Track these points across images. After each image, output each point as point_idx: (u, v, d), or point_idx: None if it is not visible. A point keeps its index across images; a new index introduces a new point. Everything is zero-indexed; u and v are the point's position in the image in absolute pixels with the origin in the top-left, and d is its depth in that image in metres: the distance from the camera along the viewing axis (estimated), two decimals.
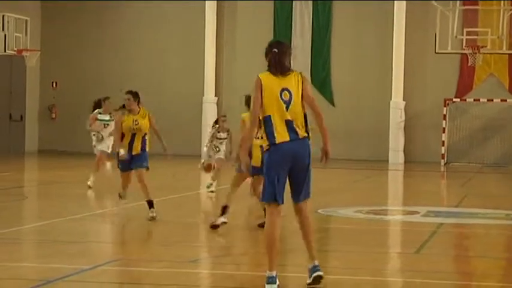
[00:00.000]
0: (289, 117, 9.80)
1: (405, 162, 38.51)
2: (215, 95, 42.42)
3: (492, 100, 37.83)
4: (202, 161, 22.33)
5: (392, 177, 34.25)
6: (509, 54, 36.00)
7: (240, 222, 17.30)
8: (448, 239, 16.64)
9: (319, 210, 18.70)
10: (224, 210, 15.32)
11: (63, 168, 32.97)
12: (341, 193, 24.76)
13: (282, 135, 9.73)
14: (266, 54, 10.10)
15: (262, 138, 10.27)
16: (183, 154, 33.53)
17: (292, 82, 10.01)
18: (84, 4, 43.32)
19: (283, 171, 9.82)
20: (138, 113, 16.31)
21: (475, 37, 34.92)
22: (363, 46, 40.71)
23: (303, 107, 9.95)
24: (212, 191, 20.62)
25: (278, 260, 9.89)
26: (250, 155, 11.99)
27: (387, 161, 38.14)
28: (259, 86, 9.99)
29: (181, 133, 39.78)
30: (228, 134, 21.57)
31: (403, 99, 38.92)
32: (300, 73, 10.16)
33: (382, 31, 39.93)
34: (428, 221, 18.28)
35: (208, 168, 20.57)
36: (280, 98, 9.80)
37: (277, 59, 10.07)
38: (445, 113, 37.30)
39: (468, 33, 34.71)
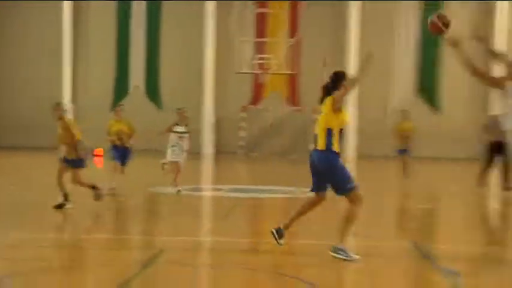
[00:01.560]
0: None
1: (215, 152, 38.62)
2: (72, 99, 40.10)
3: (275, 108, 38.64)
4: (163, 161, 18.78)
5: (205, 164, 33.57)
6: (288, 75, 36.91)
7: None
8: (246, 208, 16.89)
9: (149, 188, 19.36)
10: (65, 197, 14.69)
11: None
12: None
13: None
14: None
15: None
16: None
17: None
18: None
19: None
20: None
21: (264, 61, 35.20)
22: (187, 54, 39.44)
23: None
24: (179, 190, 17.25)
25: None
26: None
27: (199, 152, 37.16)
28: None
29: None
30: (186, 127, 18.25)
31: (214, 106, 38.86)
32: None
33: (198, 51, 38.86)
34: (231, 196, 18.59)
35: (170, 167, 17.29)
36: None
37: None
38: (243, 116, 38.32)
39: (259, 59, 35.19)
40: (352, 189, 9.70)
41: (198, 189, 20.09)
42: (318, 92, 34.57)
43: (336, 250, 9.64)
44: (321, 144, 9.72)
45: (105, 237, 12.37)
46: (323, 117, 9.73)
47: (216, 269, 9.81)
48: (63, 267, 9.69)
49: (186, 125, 18.25)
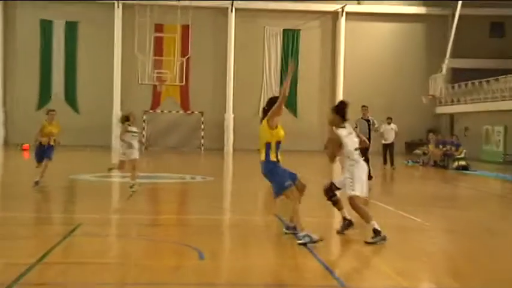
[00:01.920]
0: None
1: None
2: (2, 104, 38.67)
3: (170, 111, 38.67)
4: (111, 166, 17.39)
5: (113, 156, 29.99)
6: (179, 85, 36.85)
7: None
8: (146, 191, 16.55)
9: (70, 176, 18.92)
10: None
11: None
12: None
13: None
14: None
15: None
16: None
17: None
18: None
19: None
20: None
21: (161, 75, 35.29)
22: (99, 67, 38.56)
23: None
24: (134, 191, 15.05)
25: None
26: None
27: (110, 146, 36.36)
28: None
29: None
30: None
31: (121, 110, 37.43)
32: None
33: (108, 65, 38.07)
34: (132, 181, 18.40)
35: (121, 165, 15.67)
36: None
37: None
38: (144, 118, 37.86)
39: (157, 73, 35.35)
40: (286, 188, 9.30)
41: (109, 177, 19.60)
42: (206, 99, 34.36)
43: (299, 237, 9.08)
44: (262, 156, 9.43)
45: (31, 215, 12.12)
46: (262, 134, 9.43)
47: (122, 239, 9.77)
48: None
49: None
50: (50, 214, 12.76)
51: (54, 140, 16.47)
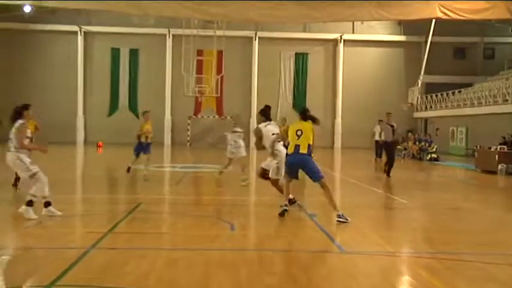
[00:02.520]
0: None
1: (172, 144, 37.58)
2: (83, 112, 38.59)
3: (209, 117, 38.39)
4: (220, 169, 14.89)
5: (165, 151, 31.58)
6: (215, 97, 36.54)
7: None
8: (190, 178, 16.64)
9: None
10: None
11: None
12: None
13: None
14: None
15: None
16: None
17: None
18: None
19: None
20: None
21: (201, 89, 34.93)
22: (154, 83, 39.90)
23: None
24: (245, 185, 13.53)
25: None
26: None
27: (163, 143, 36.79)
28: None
29: None
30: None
31: (171, 115, 38.29)
32: None
33: (161, 81, 38.27)
34: (181, 170, 18.32)
35: (229, 163, 14.16)
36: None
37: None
38: (189, 122, 37.98)
39: (199, 87, 34.99)
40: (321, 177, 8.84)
41: (162, 167, 19.63)
42: (235, 107, 33.85)
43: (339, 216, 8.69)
44: (305, 150, 8.81)
45: (104, 196, 12.15)
46: (308, 134, 8.86)
47: (172, 214, 9.74)
48: (76, 215, 9.45)
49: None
50: (118, 195, 12.75)
51: (149, 137, 14.94)
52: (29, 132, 8.70)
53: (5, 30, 36.85)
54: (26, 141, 8.55)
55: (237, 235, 7.87)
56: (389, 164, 16.83)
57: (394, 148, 17.56)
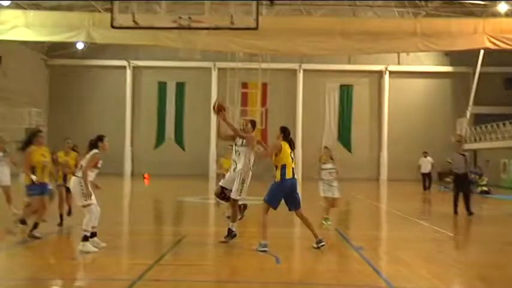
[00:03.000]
0: None
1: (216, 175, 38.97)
2: (130, 144, 39.79)
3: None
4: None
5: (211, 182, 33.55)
6: (261, 129, 34.61)
7: None
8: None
9: (178, 198, 18.64)
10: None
11: None
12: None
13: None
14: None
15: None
16: None
17: None
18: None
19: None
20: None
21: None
22: (199, 115, 40.48)
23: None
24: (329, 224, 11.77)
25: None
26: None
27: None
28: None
29: None
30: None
31: (216, 149, 38.18)
32: None
33: (206, 114, 38.31)
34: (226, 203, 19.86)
35: (330, 204, 11.91)
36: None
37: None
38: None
39: (244, 119, 35.41)
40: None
41: (207, 198, 19.61)
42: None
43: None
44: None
45: (150, 228, 12.28)
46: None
47: (217, 246, 9.60)
48: (123, 247, 9.59)
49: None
50: (163, 226, 12.84)
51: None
52: (100, 163, 8.95)
53: (61, 66, 38.66)
54: (90, 172, 8.73)
55: (283, 268, 7.77)
56: (466, 199, 15.10)
57: (468, 180, 15.72)
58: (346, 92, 39.77)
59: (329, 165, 12.05)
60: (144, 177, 33.12)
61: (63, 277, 7.11)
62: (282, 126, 9.24)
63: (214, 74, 38.93)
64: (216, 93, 38.54)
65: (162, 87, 39.58)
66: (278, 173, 8.75)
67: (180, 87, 39.51)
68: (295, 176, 8.73)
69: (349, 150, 38.98)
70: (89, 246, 8.48)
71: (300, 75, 39.15)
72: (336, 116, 39.85)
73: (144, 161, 38.44)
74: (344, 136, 39.56)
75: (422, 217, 14.77)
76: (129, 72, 39.43)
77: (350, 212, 10.01)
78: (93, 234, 8.74)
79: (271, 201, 8.76)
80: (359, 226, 11.03)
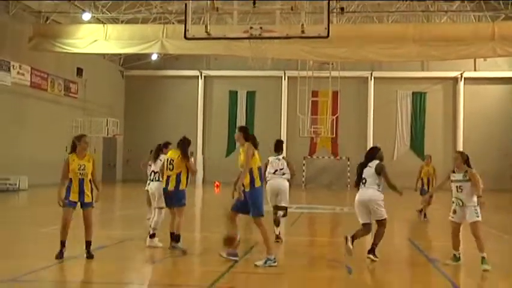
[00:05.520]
0: None
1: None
2: (202, 152, 40.40)
3: (324, 157, 37.99)
4: None
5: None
6: (331, 137, 36.24)
7: None
8: (307, 219, 16.48)
9: None
10: None
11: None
12: None
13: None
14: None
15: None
16: None
17: None
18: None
19: None
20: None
21: (317, 129, 34.84)
22: (270, 124, 41.68)
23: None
24: None
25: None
26: None
27: None
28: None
29: None
30: None
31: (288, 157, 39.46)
32: None
33: (276, 123, 38.59)
34: (297, 211, 17.90)
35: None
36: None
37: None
38: (304, 162, 37.30)
39: (314, 128, 34.89)
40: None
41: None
42: (351, 147, 32.78)
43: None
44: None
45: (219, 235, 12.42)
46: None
47: (287, 255, 9.65)
48: (195, 253, 9.70)
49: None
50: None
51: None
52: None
53: (137, 77, 39.96)
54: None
55: (355, 279, 7.64)
56: None
57: None
58: (419, 100, 38.73)
59: (458, 176, 8.65)
60: (215, 186, 33.46)
61: (141, 282, 7.29)
62: (242, 126, 9.03)
63: (285, 83, 39.01)
64: (287, 102, 38.75)
65: (233, 96, 40.03)
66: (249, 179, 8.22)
67: (251, 96, 39.83)
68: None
69: (423, 159, 37.91)
70: (154, 241, 9.48)
71: (371, 83, 38.57)
72: (408, 124, 38.90)
73: (215, 169, 38.92)
74: (416, 145, 38.50)
75: (508, 231, 13.91)
76: (201, 82, 40.08)
77: (427, 223, 9.68)
78: (153, 235, 9.58)
79: (262, 210, 8.23)
80: (435, 237, 10.67)
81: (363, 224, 8.75)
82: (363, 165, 8.87)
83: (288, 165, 10.62)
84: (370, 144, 37.26)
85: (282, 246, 10.79)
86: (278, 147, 10.94)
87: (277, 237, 10.37)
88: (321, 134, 35.48)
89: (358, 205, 8.77)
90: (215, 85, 40.44)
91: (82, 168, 8.24)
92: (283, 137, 37.53)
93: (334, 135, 36.51)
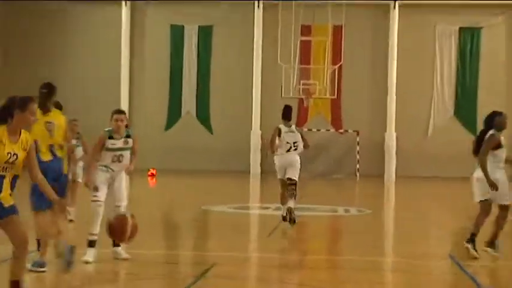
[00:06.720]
0: None
1: (261, 172, 37.07)
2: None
3: (319, 130, 37.90)
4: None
5: (252, 183, 33.36)
6: (330, 98, 36.22)
7: None
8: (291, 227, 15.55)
9: (202, 207, 19.13)
10: None
11: None
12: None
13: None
14: None
15: None
16: None
17: None
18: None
19: None
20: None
21: (308, 87, 34.61)
22: (235, 80, 39.83)
23: None
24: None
25: None
26: None
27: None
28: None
29: None
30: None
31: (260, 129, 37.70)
32: None
33: (245, 77, 38.85)
34: (277, 213, 17.37)
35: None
36: None
37: None
38: None
39: (303, 84, 34.63)
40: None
41: (247, 208, 20.09)
42: (361, 115, 33.28)
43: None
44: None
45: (161, 252, 12.51)
46: None
47: (260, 282, 10.03)
48: (124, 279, 10.09)
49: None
50: (180, 252, 13.04)
51: None
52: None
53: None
54: None
55: None
56: None
57: None
58: (469, 39, 39.38)
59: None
60: (149, 175, 33.31)
61: None
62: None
63: (258, 14, 38.91)
64: (261, 44, 38.62)
65: (176, 33, 39.87)
66: None
67: (204, 33, 39.74)
68: None
69: (473, 132, 38.51)
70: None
71: (395, 14, 38.82)
72: (453, 77, 39.48)
73: (149, 150, 38.29)
74: (464, 108, 38.75)
75: None
76: (125, 11, 39.74)
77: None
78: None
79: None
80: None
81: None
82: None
83: (301, 137, 14.10)
84: (393, 108, 37.91)
85: (252, 267, 11.23)
86: (287, 114, 12.73)
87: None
88: (315, 94, 35.48)
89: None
90: (148, 17, 40.17)
91: None
92: (256, 98, 38.56)
93: (336, 96, 36.63)
